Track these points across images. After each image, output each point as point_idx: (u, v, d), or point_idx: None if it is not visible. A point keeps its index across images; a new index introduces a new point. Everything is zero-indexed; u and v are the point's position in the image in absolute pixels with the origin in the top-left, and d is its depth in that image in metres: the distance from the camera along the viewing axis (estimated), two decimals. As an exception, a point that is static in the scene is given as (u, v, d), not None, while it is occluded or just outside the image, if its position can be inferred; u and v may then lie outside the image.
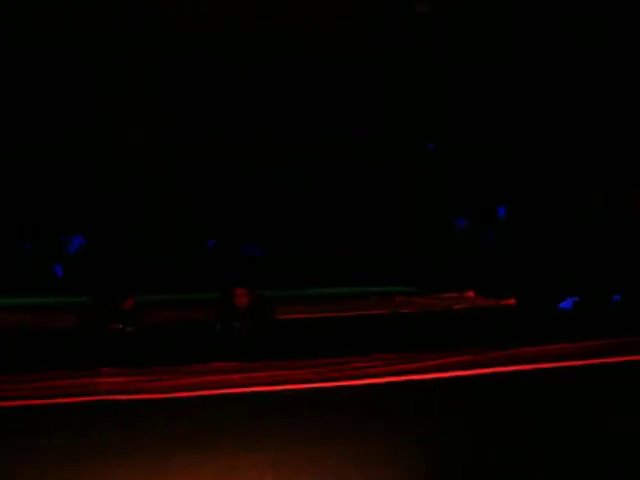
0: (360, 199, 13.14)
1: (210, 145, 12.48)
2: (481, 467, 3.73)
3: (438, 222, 13.03)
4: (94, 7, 11.85)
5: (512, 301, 9.99)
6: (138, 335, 6.62)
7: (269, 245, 12.27)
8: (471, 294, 10.92)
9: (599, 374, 5.72)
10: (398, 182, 13.30)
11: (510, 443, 4.06)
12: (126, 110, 12.12)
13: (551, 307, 9.06)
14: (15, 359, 6.21)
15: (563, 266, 9.94)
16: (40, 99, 12.06)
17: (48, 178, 12.22)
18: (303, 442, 4.03)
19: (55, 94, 12.13)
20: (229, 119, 12.61)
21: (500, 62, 13.02)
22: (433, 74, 13.12)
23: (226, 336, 6.66)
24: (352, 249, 12.69)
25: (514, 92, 13.13)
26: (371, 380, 5.41)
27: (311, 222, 12.87)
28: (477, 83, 13.15)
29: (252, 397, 5.08)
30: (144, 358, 6.08)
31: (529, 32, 12.88)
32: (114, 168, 12.11)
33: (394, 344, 6.70)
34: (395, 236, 13.13)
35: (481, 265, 11.53)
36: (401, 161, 13.28)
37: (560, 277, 9.66)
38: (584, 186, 12.60)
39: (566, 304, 9.10)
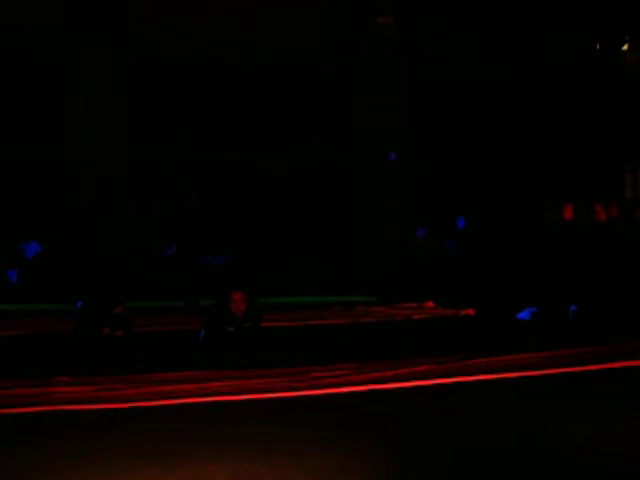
0: (324, 209, 13.18)
1: (170, 150, 12.38)
2: (441, 476, 3.76)
3: (398, 232, 13.14)
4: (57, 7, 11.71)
5: (471, 311, 10.11)
6: (127, 340, 6.73)
7: (231, 254, 12.20)
8: (430, 304, 11.03)
9: (557, 384, 5.81)
10: (362, 192, 13.38)
11: (469, 452, 4.10)
12: (85, 112, 11.96)
13: (509, 317, 9.18)
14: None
15: (521, 277, 10.09)
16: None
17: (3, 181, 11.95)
18: (262, 452, 4.01)
19: (14, 95, 11.90)
20: (193, 124, 12.54)
21: (463, 77, 13.23)
22: (396, 86, 13.27)
23: (214, 342, 6.73)
24: (314, 258, 12.70)
25: (476, 106, 13.36)
26: (332, 390, 5.41)
27: (274, 231, 12.85)
28: (440, 96, 13.34)
29: (210, 407, 5.04)
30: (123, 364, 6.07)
31: (493, 47, 13.13)
32: (72, 172, 11.91)
33: (355, 353, 6.73)
34: (355, 246, 13.20)
35: (440, 276, 11.64)
36: (363, 171, 13.36)
37: (518, 288, 9.80)
38: (542, 197, 12.83)
39: (524, 314, 9.24)
